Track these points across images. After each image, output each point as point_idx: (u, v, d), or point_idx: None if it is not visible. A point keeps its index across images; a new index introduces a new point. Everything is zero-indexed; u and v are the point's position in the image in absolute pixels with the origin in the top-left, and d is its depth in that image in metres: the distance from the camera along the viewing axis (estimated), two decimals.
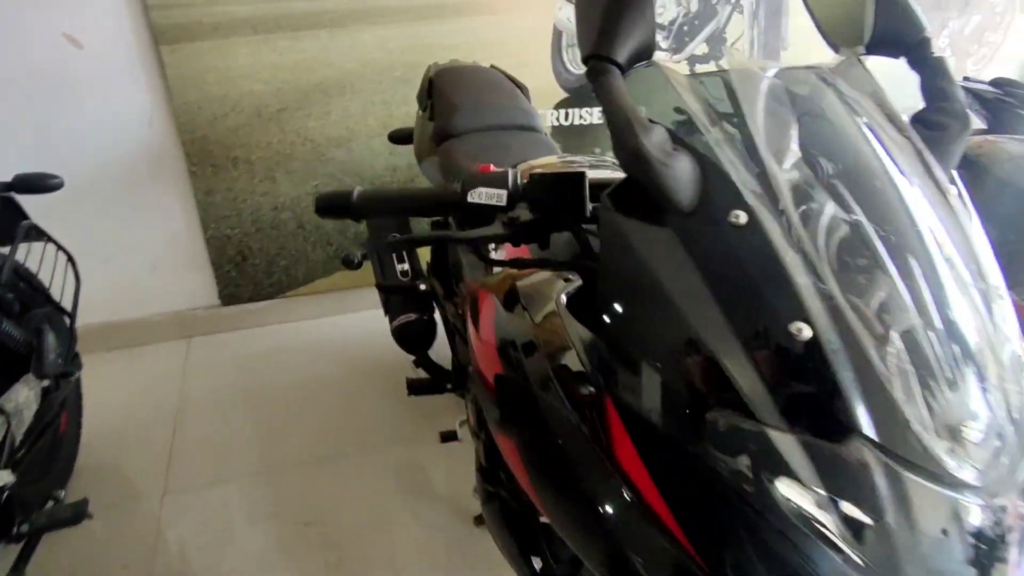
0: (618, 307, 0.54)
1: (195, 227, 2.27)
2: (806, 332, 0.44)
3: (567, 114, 2.59)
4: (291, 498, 1.74)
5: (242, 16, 1.99)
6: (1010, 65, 3.37)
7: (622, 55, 0.49)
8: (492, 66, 1.93)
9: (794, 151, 0.50)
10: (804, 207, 0.48)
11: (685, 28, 2.55)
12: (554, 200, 0.62)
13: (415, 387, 1.56)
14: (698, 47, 2.61)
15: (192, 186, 2.20)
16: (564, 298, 0.73)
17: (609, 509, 0.53)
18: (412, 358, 1.69)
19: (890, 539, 0.42)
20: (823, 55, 2.47)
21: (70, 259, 1.56)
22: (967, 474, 0.43)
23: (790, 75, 0.56)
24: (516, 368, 0.70)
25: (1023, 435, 0.46)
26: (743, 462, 0.45)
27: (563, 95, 2.56)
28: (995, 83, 1.93)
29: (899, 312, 0.45)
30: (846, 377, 0.43)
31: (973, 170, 1.39)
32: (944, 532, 0.43)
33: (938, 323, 0.45)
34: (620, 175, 0.86)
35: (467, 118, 1.61)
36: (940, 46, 0.73)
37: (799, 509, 0.44)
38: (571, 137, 2.63)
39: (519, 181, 0.65)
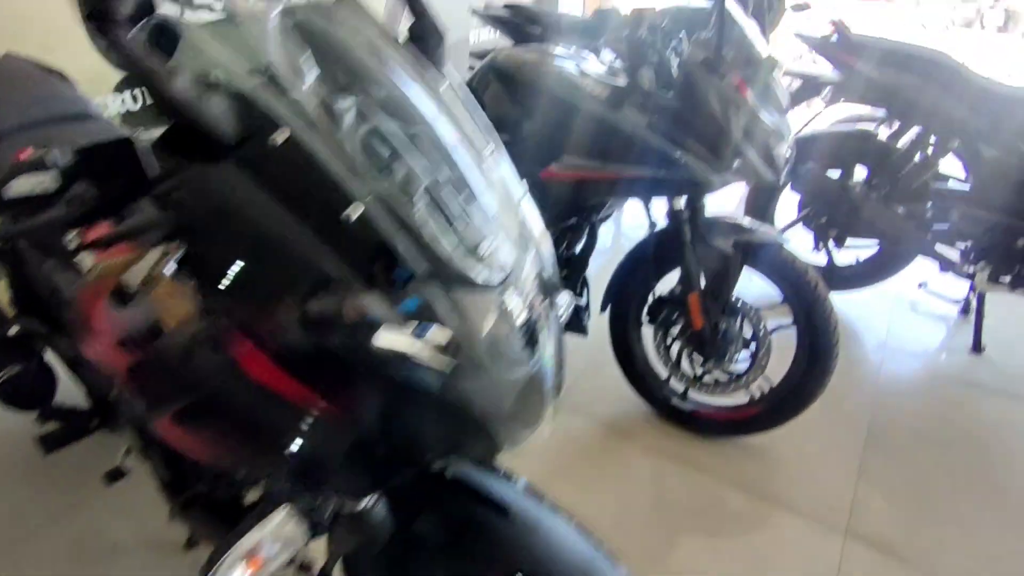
0: (220, 244, 0.58)
1: None
2: (357, 210, 0.55)
3: (135, 95, 2.31)
4: None
5: None
6: None
7: (123, 11, 0.50)
8: (7, 54, 1.61)
9: (313, 73, 0.59)
10: (331, 118, 0.58)
11: None
12: (114, 168, 0.60)
13: (51, 441, 1.33)
14: None
15: None
16: (174, 265, 0.72)
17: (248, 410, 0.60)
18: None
19: (464, 341, 0.58)
20: None
21: None
22: (493, 276, 0.61)
23: (296, 10, 0.64)
24: (150, 351, 0.68)
25: (520, 243, 0.66)
26: (350, 328, 0.55)
27: (122, 73, 2.27)
28: (507, 7, 2.38)
29: (418, 179, 0.59)
30: (396, 235, 0.56)
31: (502, 75, 1.73)
32: (495, 322, 0.60)
33: (447, 179, 0.61)
34: None
35: None
36: None
37: (397, 350, 0.56)
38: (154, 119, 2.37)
39: (65, 160, 0.61)
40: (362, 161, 0.57)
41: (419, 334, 0.57)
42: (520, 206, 0.71)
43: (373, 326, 0.55)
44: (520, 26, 2.26)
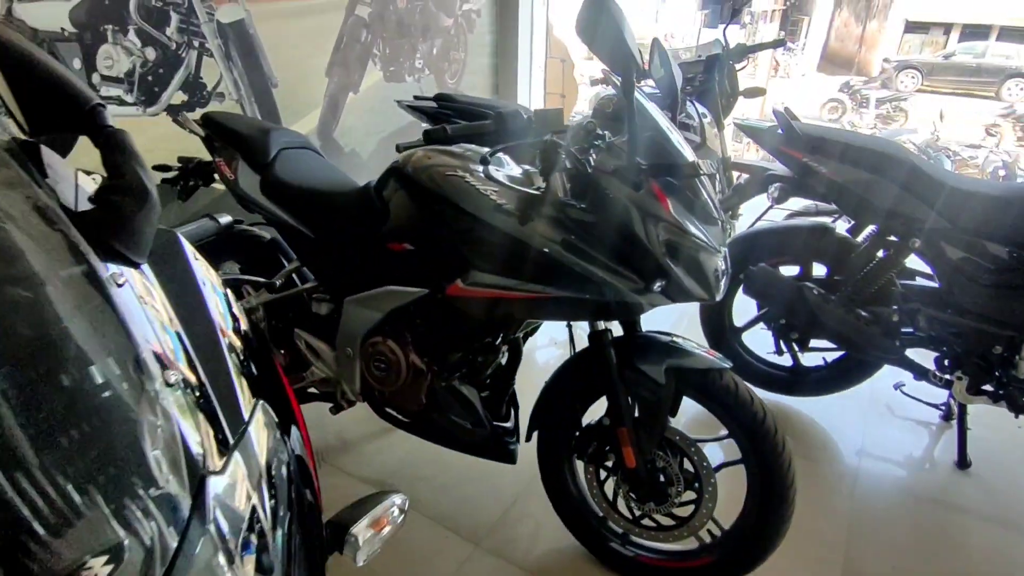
0: None
1: None
2: None
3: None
4: None
5: None
6: (478, 75, 4.07)
7: None
8: None
9: None
10: None
11: (150, 79, 2.33)
12: None
13: None
14: (174, 96, 2.42)
15: None
16: None
17: None
18: None
19: None
20: (318, 84, 2.44)
21: None
22: None
23: None
24: None
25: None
26: None
27: None
28: (437, 98, 2.22)
29: None
30: None
31: (406, 180, 1.54)
32: None
33: (35, 465, 0.38)
34: None
35: None
36: (111, 120, 0.68)
37: None
38: None
39: None
40: None
41: None
42: (252, 425, 0.48)
43: None
44: (445, 119, 2.10)
